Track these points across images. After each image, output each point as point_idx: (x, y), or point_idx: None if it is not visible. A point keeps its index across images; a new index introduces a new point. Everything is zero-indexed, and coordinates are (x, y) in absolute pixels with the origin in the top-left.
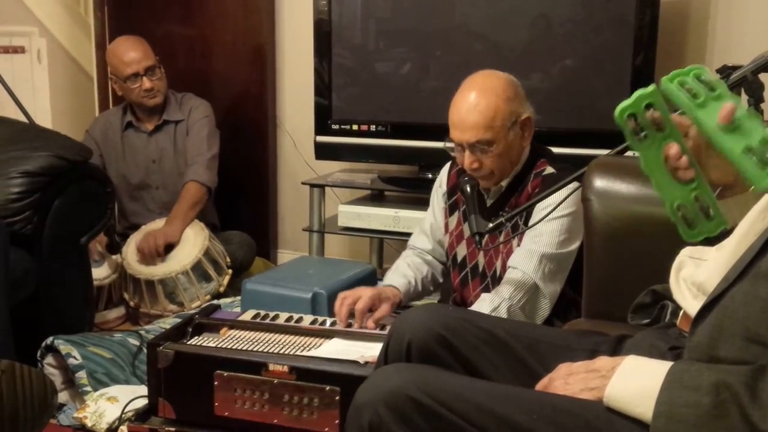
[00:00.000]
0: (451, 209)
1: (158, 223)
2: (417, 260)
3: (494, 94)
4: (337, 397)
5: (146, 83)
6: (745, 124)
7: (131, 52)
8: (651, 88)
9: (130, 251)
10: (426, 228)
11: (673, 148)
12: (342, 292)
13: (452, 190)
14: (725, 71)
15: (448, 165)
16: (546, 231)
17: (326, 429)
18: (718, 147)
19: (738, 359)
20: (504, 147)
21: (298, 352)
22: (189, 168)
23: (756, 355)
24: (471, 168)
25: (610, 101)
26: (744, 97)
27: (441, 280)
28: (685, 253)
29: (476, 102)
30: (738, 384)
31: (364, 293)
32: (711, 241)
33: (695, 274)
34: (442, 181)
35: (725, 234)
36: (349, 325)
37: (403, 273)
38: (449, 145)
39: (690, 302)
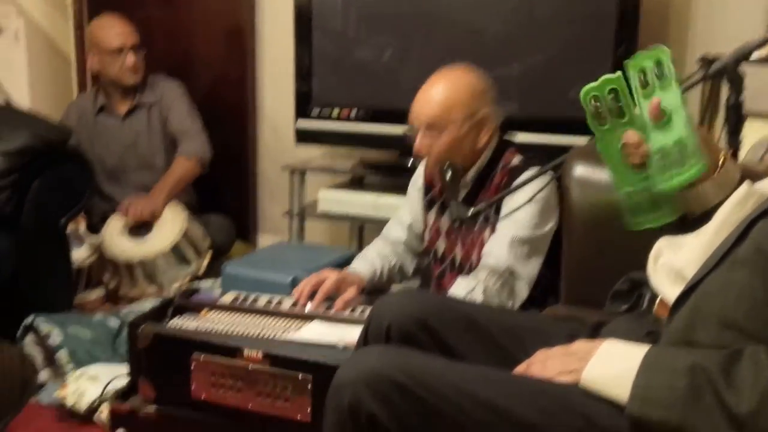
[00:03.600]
0: (429, 205)
1: None
2: (386, 250)
3: (455, 87)
4: (309, 385)
5: (131, 58)
6: (674, 119)
7: (119, 26)
8: (617, 74)
9: (108, 233)
10: (402, 219)
11: (634, 137)
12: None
13: (429, 186)
14: (706, 62)
15: (424, 161)
16: (518, 217)
17: (299, 416)
18: (645, 140)
19: (714, 344)
20: (454, 139)
21: (277, 335)
22: (179, 146)
23: (731, 340)
24: (417, 151)
25: None
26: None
27: (410, 273)
28: (663, 241)
29: (436, 90)
30: (713, 367)
31: (330, 276)
32: (683, 228)
33: (673, 260)
34: (418, 176)
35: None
36: (329, 308)
37: (371, 261)
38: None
39: (668, 288)
